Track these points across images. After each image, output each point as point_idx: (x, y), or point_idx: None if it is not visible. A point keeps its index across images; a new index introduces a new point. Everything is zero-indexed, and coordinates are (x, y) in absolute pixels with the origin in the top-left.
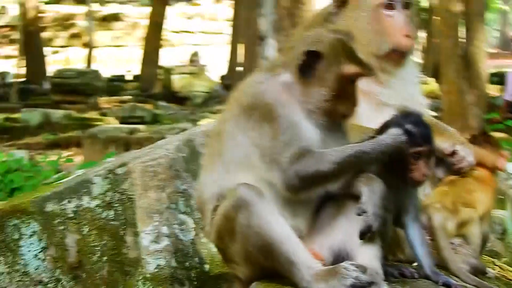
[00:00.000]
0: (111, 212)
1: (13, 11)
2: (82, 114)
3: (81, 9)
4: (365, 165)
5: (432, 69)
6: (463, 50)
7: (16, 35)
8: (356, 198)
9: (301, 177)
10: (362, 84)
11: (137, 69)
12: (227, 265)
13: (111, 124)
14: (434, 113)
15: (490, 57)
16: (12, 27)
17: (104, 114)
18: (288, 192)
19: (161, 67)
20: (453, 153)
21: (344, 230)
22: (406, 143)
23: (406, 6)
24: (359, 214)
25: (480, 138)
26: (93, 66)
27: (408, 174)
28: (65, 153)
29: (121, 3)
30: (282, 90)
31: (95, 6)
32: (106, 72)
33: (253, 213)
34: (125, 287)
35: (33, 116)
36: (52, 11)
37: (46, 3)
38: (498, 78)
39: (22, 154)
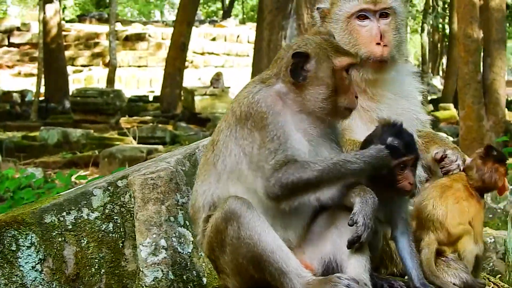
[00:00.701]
0: (110, 225)
1: (36, 28)
2: (102, 134)
3: (104, 28)
4: (348, 176)
5: (453, 95)
6: (482, 76)
7: (37, 53)
8: (349, 209)
9: (282, 185)
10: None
11: (159, 90)
12: (219, 276)
13: (130, 144)
14: (445, 135)
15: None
16: (34, 45)
17: (124, 134)
18: (269, 200)
19: (183, 88)
20: (443, 157)
21: (334, 242)
22: (389, 155)
23: (383, 15)
24: (350, 225)
25: (491, 154)
26: (116, 86)
27: (395, 185)
28: (82, 172)
29: (144, 23)
30: (275, 99)
31: (118, 26)
32: (128, 92)
33: (243, 224)
34: None
35: (51, 134)
36: (75, 30)
37: (69, 21)
38: None
39: (36, 171)
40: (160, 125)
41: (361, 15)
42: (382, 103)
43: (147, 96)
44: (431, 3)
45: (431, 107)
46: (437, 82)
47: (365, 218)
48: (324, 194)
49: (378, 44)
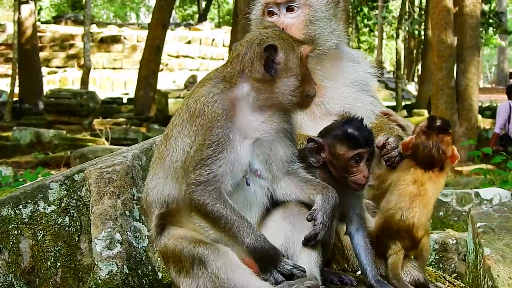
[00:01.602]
0: (67, 218)
1: (11, 29)
2: (74, 135)
3: (80, 30)
4: (235, 241)
5: (427, 101)
6: (456, 83)
7: (12, 53)
8: (305, 204)
9: (192, 200)
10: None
11: (133, 92)
12: (169, 274)
13: (103, 145)
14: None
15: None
16: (9, 46)
17: (96, 136)
18: (184, 203)
19: (157, 91)
20: (384, 145)
21: (287, 236)
22: (348, 148)
23: (289, 9)
24: (309, 220)
25: (433, 125)
26: (90, 88)
27: (349, 178)
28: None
29: (120, 25)
30: (233, 103)
31: (94, 28)
32: (103, 94)
33: (213, 269)
34: None
35: (24, 135)
36: (50, 31)
37: (44, 22)
38: (492, 112)
39: (7, 170)
40: (133, 127)
41: (270, 11)
42: (327, 95)
43: (121, 98)
44: (407, 9)
45: (405, 112)
46: (412, 88)
47: (324, 217)
48: (279, 190)
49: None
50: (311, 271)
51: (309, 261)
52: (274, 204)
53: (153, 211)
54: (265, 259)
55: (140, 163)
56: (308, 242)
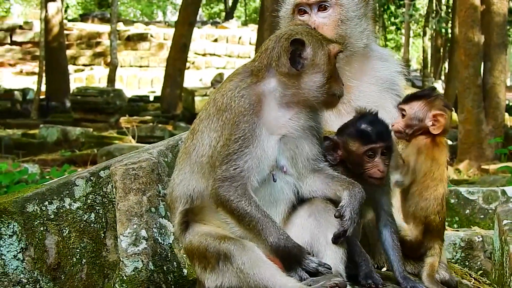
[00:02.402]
0: (92, 215)
1: (38, 27)
2: (101, 133)
3: (107, 28)
4: (258, 238)
5: (454, 99)
6: (483, 81)
7: (39, 51)
8: (331, 201)
9: (218, 196)
10: None
11: (160, 90)
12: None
13: (129, 143)
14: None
15: None
16: (36, 44)
17: (123, 133)
18: (210, 199)
19: (184, 89)
20: None
21: (312, 232)
22: (360, 144)
23: (321, 8)
24: (337, 217)
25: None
26: (117, 86)
27: (365, 173)
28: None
29: (147, 23)
30: (260, 98)
31: (121, 26)
32: (129, 92)
33: (238, 265)
34: None
35: (50, 132)
36: (77, 29)
37: (71, 20)
38: None
39: (33, 168)
40: (159, 125)
41: (301, 9)
42: (354, 94)
43: (148, 96)
44: (434, 7)
45: None
46: (439, 86)
47: (352, 213)
48: (305, 187)
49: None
50: (337, 268)
51: (334, 257)
52: (300, 201)
53: (178, 207)
54: (289, 258)
55: (166, 159)
56: (338, 239)
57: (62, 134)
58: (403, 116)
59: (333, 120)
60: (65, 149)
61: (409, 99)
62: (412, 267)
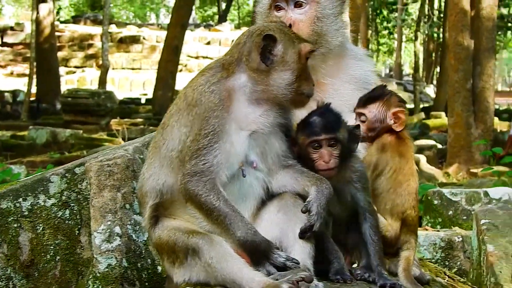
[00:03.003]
0: (67, 212)
1: (30, 28)
2: (91, 135)
3: (99, 30)
4: (227, 233)
5: (445, 104)
6: (472, 85)
7: (30, 53)
8: (300, 196)
9: (187, 190)
10: None
11: (152, 93)
12: (163, 265)
13: (119, 145)
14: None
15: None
16: (27, 45)
17: (113, 136)
18: (179, 194)
19: (175, 91)
20: None
21: (281, 227)
22: (305, 136)
23: (297, 4)
24: (303, 212)
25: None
26: (109, 88)
27: (314, 166)
28: None
29: (139, 26)
30: (230, 94)
31: (113, 28)
32: (121, 94)
33: (206, 259)
34: (77, 287)
35: (40, 134)
36: (69, 31)
37: (63, 22)
38: (509, 115)
39: (20, 169)
40: (150, 127)
41: (277, 5)
42: (327, 91)
43: (139, 99)
44: (426, 12)
45: (422, 115)
46: (431, 91)
47: (319, 208)
48: (275, 182)
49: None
50: (305, 263)
51: (302, 252)
52: (270, 196)
53: (148, 201)
54: (257, 252)
55: (142, 156)
56: (304, 234)
57: (52, 136)
58: (363, 121)
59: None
60: (55, 151)
61: (365, 102)
62: (389, 262)
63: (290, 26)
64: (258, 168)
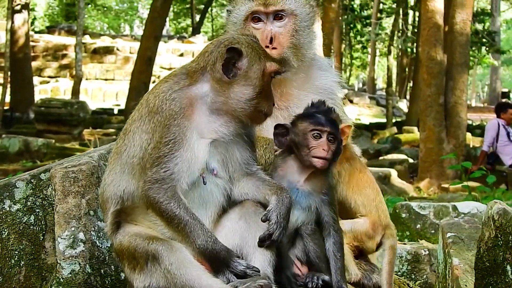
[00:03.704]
0: (32, 217)
1: (4, 38)
2: (63, 144)
3: (73, 40)
4: (188, 241)
5: (417, 118)
6: (444, 100)
7: (4, 62)
8: (262, 204)
9: (148, 197)
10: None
11: (124, 104)
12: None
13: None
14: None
15: (478, 111)
16: (1, 54)
17: (85, 145)
18: (140, 201)
19: None
20: None
21: (242, 235)
22: (308, 123)
23: (277, 17)
24: (263, 221)
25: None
26: (82, 98)
27: (310, 153)
28: None
29: (113, 37)
30: (191, 102)
31: (87, 38)
32: (94, 105)
33: (166, 265)
34: None
35: (12, 143)
36: (43, 41)
37: (38, 32)
38: (482, 131)
39: None
40: None
41: (255, 17)
42: (292, 101)
43: (112, 109)
44: (400, 27)
45: (395, 129)
46: (404, 105)
47: (279, 217)
48: (237, 190)
49: (267, 47)
50: (265, 271)
51: (263, 260)
52: (231, 204)
53: (109, 207)
54: (217, 260)
55: (107, 163)
56: (263, 242)
57: (24, 144)
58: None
59: (269, 126)
60: (27, 159)
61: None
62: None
63: (271, 39)
64: (218, 176)
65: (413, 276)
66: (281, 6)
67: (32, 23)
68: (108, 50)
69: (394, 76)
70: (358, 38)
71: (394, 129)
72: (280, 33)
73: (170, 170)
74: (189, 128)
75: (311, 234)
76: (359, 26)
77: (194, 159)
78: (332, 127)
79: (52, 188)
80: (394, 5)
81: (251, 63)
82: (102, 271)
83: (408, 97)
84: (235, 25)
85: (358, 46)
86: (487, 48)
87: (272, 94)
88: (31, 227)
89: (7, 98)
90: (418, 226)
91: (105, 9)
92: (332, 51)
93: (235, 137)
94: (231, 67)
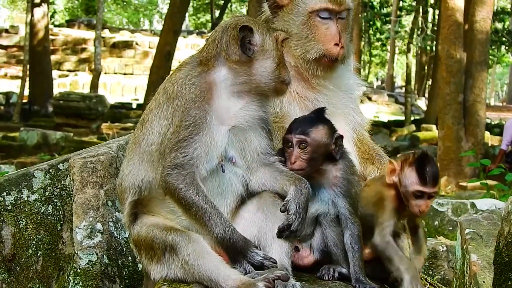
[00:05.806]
0: (50, 207)
1: (24, 31)
2: (81, 138)
3: (92, 34)
4: (205, 229)
5: (436, 116)
6: (463, 98)
7: (23, 55)
8: (279, 196)
9: (167, 183)
10: (298, 89)
11: (143, 98)
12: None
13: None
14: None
15: (497, 110)
16: (22, 48)
17: (103, 139)
18: (159, 188)
19: None
20: None
21: (260, 226)
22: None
23: (341, 17)
24: (282, 211)
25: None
26: (101, 92)
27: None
28: None
29: (133, 31)
30: (210, 87)
31: (106, 33)
32: (113, 99)
33: (183, 256)
34: (58, 282)
35: (31, 135)
36: (63, 34)
37: (58, 26)
38: (500, 130)
39: (9, 169)
40: None
41: (324, 13)
42: (321, 94)
43: (131, 104)
44: (419, 24)
45: (413, 127)
46: (422, 103)
47: (297, 207)
48: (254, 180)
49: (337, 44)
50: (282, 262)
51: (280, 251)
52: (250, 194)
53: (127, 198)
54: (234, 250)
55: (125, 154)
56: (282, 233)
57: (42, 137)
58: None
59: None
60: (45, 152)
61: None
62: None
63: (339, 36)
64: (237, 164)
65: (431, 272)
66: (349, 5)
67: (52, 17)
68: (127, 45)
69: (413, 74)
70: (378, 35)
71: (413, 127)
72: (343, 31)
73: (189, 155)
74: (209, 112)
75: (330, 221)
76: (378, 24)
77: (213, 144)
78: (300, 134)
79: (70, 178)
80: (414, 3)
81: (264, 37)
82: (119, 261)
83: (426, 95)
84: (297, 15)
85: (378, 44)
86: (507, 47)
87: (285, 61)
88: (49, 217)
89: (26, 91)
90: (436, 222)
91: (125, 3)
92: (352, 48)
93: (254, 123)
94: (248, 45)
